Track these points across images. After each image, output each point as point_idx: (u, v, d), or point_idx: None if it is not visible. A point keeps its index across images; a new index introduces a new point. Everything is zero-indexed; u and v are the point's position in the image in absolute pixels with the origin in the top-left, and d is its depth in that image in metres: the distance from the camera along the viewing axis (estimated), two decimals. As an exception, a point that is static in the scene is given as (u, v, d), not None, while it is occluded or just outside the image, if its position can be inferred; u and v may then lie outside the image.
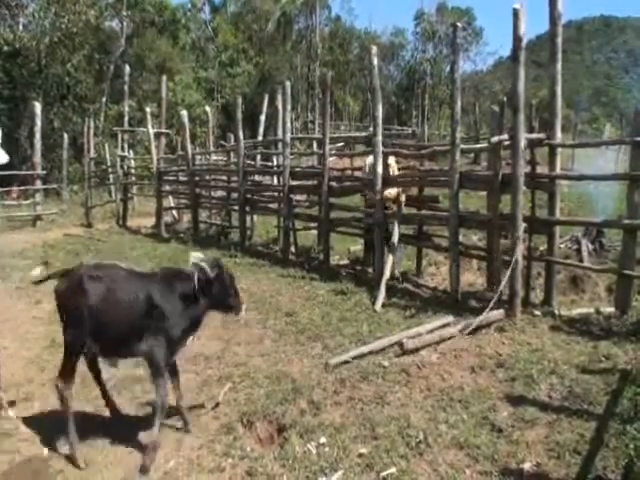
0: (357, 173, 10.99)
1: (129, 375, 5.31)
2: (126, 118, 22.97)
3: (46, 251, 12.07)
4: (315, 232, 11.42)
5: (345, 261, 10.34)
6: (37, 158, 17.83)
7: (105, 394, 4.59)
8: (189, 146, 14.24)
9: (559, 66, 6.77)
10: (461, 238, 8.05)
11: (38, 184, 17.70)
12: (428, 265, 9.39)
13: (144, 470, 3.83)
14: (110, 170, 20.92)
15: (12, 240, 13.59)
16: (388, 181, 8.56)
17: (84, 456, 3.98)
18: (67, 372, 4.10)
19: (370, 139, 9.03)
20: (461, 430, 4.14)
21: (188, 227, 14.75)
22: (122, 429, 4.34)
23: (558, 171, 7.08)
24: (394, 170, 8.88)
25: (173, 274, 4.26)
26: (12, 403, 4.79)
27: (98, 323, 3.95)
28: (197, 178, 14.10)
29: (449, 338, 5.79)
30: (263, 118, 17.10)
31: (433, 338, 5.71)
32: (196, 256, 4.29)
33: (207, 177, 14.66)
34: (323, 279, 8.60)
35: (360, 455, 3.88)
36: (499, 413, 4.35)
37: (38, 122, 17.88)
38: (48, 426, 4.42)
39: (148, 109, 17.63)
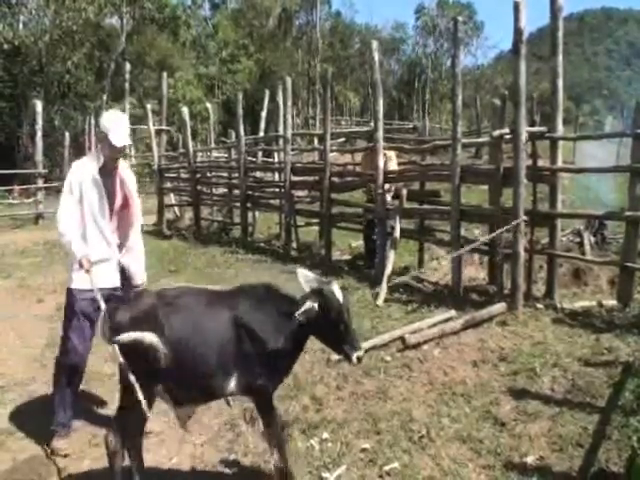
0: (358, 168, 10.99)
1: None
2: (127, 115, 22.99)
3: (48, 249, 12.08)
4: (317, 228, 11.41)
5: (347, 256, 10.34)
6: (38, 156, 17.81)
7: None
8: (190, 143, 14.24)
9: (560, 59, 6.75)
10: (463, 232, 8.04)
11: (40, 183, 17.69)
12: (430, 260, 9.38)
13: None
14: (111, 168, 20.89)
15: (14, 239, 13.60)
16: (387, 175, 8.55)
17: (89, 455, 4.00)
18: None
19: (371, 134, 9.02)
20: (464, 424, 4.14)
21: (190, 224, 14.73)
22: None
23: (559, 164, 7.06)
24: (392, 164, 8.84)
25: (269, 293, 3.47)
26: None
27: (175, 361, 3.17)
28: (198, 175, 14.09)
29: (451, 332, 5.79)
30: (264, 114, 17.11)
31: (435, 333, 5.70)
32: (305, 276, 3.38)
33: (208, 174, 14.66)
34: (325, 274, 8.58)
35: (363, 450, 3.89)
36: (502, 407, 4.35)
37: (39, 120, 17.86)
38: (50, 424, 4.43)
39: (149, 106, 17.67)
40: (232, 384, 3.27)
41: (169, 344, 3.13)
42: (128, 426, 3.22)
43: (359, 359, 3.24)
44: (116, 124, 4.03)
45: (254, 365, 3.25)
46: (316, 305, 3.19)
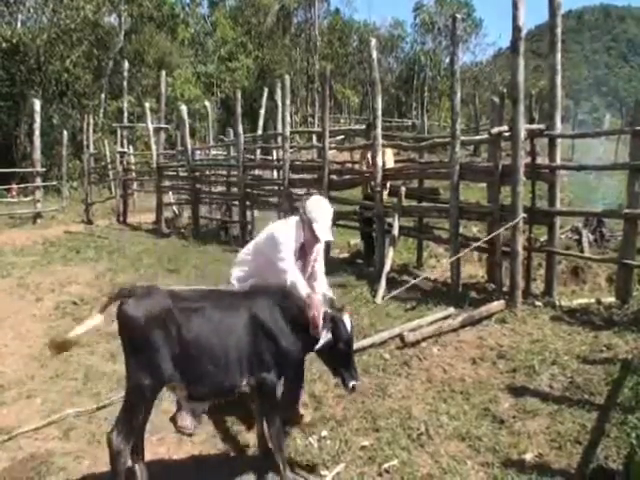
0: (357, 166, 10.99)
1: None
2: (125, 114, 22.99)
3: (47, 248, 12.08)
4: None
5: (345, 254, 10.34)
6: (37, 155, 17.78)
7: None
8: (189, 141, 14.23)
9: (559, 56, 6.75)
10: (461, 230, 8.04)
11: (38, 181, 17.65)
12: (429, 257, 9.38)
13: None
14: (110, 166, 20.89)
15: (12, 237, 13.59)
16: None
17: (88, 454, 3.99)
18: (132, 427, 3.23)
19: (369, 130, 9.03)
20: (462, 421, 4.15)
21: (188, 222, 14.73)
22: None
23: (558, 162, 7.06)
24: (389, 162, 8.83)
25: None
26: None
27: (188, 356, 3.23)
28: (197, 173, 14.08)
29: (450, 330, 5.79)
30: (263, 112, 17.09)
31: (434, 330, 5.71)
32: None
33: (207, 172, 14.64)
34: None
35: (362, 448, 3.89)
36: (500, 404, 4.36)
37: (37, 119, 17.82)
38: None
39: (147, 104, 17.60)
40: (245, 381, 3.37)
41: (187, 342, 3.18)
42: (131, 425, 3.21)
43: (354, 388, 3.48)
44: (323, 216, 3.98)
45: (267, 362, 3.38)
46: (330, 335, 3.43)
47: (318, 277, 4.26)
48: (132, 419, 3.20)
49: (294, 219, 4.17)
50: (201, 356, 3.22)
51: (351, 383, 3.43)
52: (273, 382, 3.43)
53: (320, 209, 4.00)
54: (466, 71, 47.08)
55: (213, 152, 18.31)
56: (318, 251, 4.25)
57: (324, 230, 3.97)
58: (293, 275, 3.82)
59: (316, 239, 4.01)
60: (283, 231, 4.04)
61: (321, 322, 3.46)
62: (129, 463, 3.29)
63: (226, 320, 3.35)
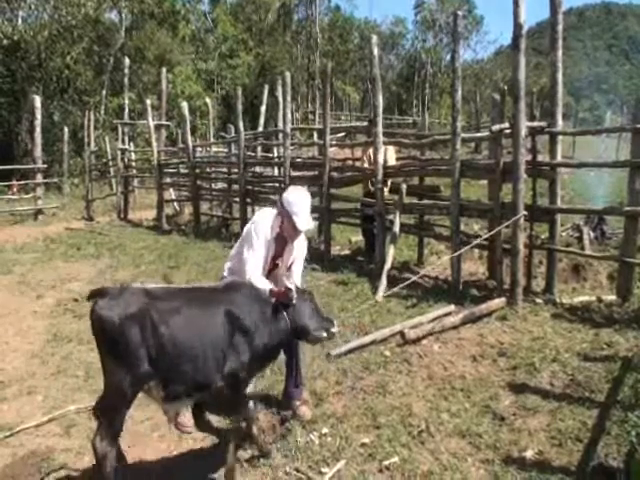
0: (357, 163, 10.98)
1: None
2: (126, 111, 22.97)
3: (47, 245, 12.09)
4: (316, 223, 11.39)
5: (346, 252, 10.34)
6: (38, 152, 17.78)
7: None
8: (189, 138, 14.21)
9: (560, 54, 6.74)
10: (462, 227, 8.04)
11: (39, 178, 17.66)
12: (429, 255, 9.38)
13: None
14: (111, 163, 20.89)
15: (13, 234, 13.60)
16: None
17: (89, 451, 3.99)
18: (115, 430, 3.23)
19: (370, 127, 9.02)
20: (463, 419, 4.15)
21: (189, 219, 14.74)
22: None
23: (559, 159, 7.06)
24: (390, 159, 8.83)
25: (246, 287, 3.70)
26: None
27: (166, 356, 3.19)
28: (198, 170, 14.08)
29: (451, 327, 5.79)
30: (263, 109, 17.06)
31: (434, 327, 5.72)
32: None
33: (208, 169, 14.65)
34: (324, 270, 8.59)
35: (362, 445, 3.90)
36: (501, 401, 4.36)
37: (38, 116, 17.82)
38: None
39: (148, 101, 17.57)
40: (219, 376, 3.35)
41: (164, 340, 3.15)
42: (114, 428, 3.19)
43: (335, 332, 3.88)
44: (302, 207, 3.96)
45: (242, 357, 3.38)
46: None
47: (292, 278, 4.19)
48: (114, 421, 3.18)
49: (275, 211, 4.16)
50: (178, 354, 3.19)
51: (332, 329, 3.77)
52: (245, 377, 3.45)
53: (298, 200, 3.98)
54: (467, 68, 47.10)
55: (214, 149, 18.32)
56: (300, 250, 4.22)
57: (304, 221, 3.96)
58: (255, 280, 3.84)
59: (296, 230, 3.99)
60: (259, 224, 4.05)
61: (290, 292, 3.58)
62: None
63: (202, 317, 3.34)
